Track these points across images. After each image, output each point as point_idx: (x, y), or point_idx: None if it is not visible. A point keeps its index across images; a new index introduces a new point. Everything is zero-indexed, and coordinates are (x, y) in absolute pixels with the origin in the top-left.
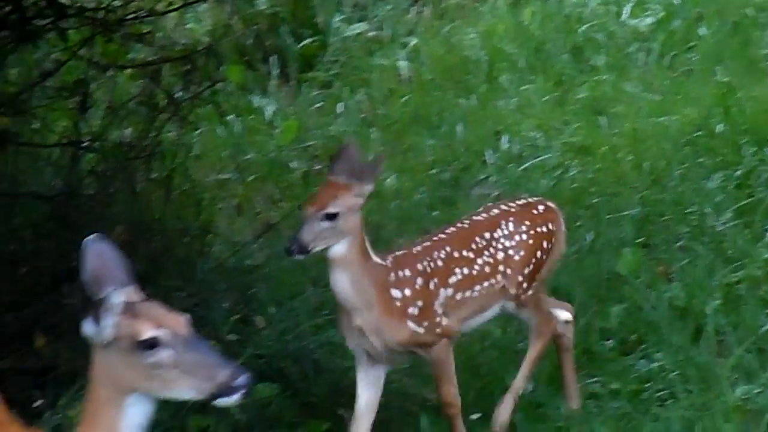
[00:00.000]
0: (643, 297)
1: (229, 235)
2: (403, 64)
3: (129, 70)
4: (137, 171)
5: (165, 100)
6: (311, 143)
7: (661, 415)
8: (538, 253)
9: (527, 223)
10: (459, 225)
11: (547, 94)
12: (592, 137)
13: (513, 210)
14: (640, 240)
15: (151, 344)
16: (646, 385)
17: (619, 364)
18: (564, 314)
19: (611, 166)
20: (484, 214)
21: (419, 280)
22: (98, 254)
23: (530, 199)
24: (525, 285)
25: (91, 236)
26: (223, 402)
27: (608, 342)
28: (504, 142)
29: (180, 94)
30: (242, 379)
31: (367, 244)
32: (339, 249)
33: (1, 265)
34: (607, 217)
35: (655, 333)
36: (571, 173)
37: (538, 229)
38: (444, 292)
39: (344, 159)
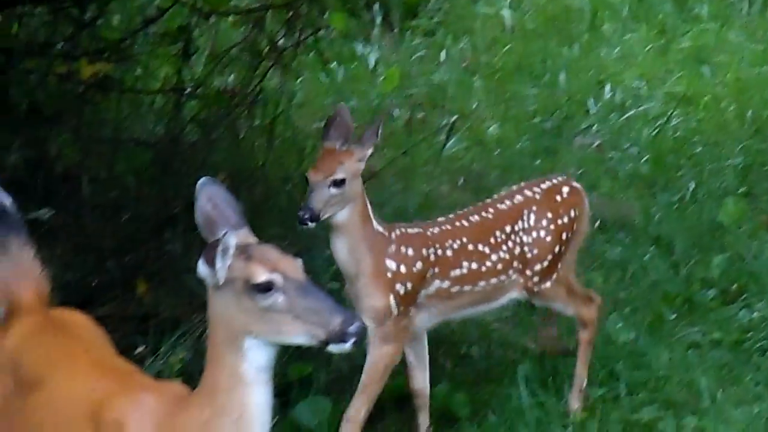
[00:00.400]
0: (744, 247)
1: None
2: (506, 13)
3: (232, 17)
4: (239, 118)
5: (268, 47)
6: (414, 91)
7: (763, 365)
8: (557, 248)
9: (549, 215)
10: (483, 214)
11: (650, 44)
12: (694, 87)
13: (537, 197)
14: (742, 190)
15: (266, 288)
16: (748, 335)
17: (720, 313)
18: None
19: (714, 115)
20: (508, 202)
21: (419, 264)
22: (211, 197)
23: (555, 181)
24: (536, 279)
25: (203, 179)
26: (335, 349)
27: (710, 292)
28: (606, 92)
29: (283, 41)
30: (355, 327)
31: (370, 211)
32: (343, 215)
33: (104, 211)
34: (709, 166)
35: (756, 283)
36: (674, 123)
37: (560, 222)
38: (438, 284)
39: (338, 125)
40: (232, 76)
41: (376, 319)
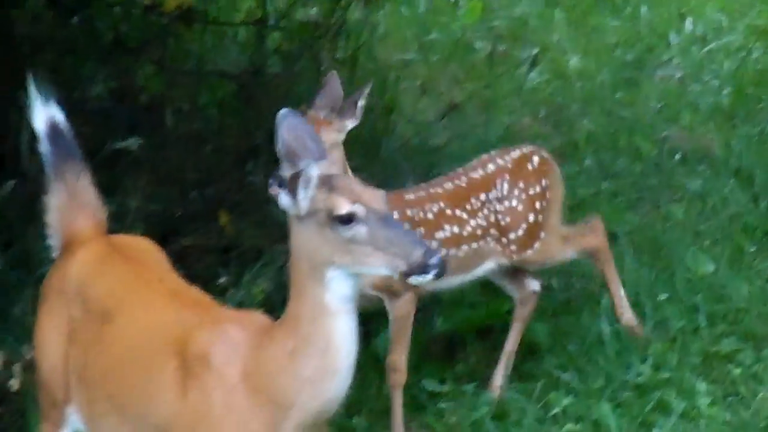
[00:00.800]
0: None
1: (413, 115)
2: None
3: None
4: (322, 50)
5: None
6: (495, 23)
7: None
8: (531, 217)
9: (521, 184)
10: (456, 181)
11: None
12: None
13: (509, 166)
14: None
15: (348, 219)
16: None
17: None
18: (533, 284)
19: None
20: (480, 171)
21: (406, 226)
22: (292, 128)
23: (525, 150)
24: (514, 247)
25: (284, 110)
26: (416, 280)
27: None
28: (688, 24)
29: None
30: (436, 259)
31: None
32: None
33: (187, 142)
34: None
35: None
36: (755, 55)
37: (531, 191)
38: None
39: (325, 93)
40: (315, 8)
41: (376, 286)
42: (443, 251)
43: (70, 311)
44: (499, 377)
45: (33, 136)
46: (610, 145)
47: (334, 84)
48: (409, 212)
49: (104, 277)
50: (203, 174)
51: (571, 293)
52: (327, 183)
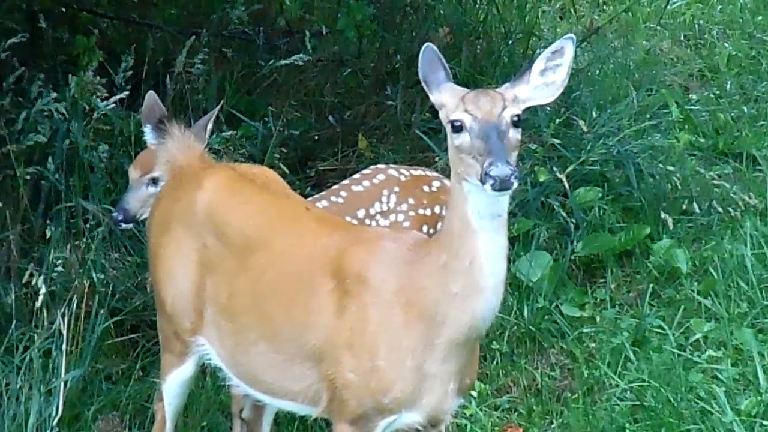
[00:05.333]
0: None
1: (553, 38)
2: None
3: None
4: None
5: None
6: None
7: None
8: None
9: (411, 200)
10: (333, 198)
11: None
12: None
13: (402, 179)
14: None
15: (459, 127)
16: None
17: None
18: None
19: None
20: (366, 183)
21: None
22: (429, 60)
23: (428, 173)
24: None
25: (426, 45)
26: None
27: None
28: None
29: None
30: (497, 170)
31: None
32: None
33: (325, 66)
34: None
35: None
36: None
37: (421, 211)
38: None
39: (148, 116)
40: None
41: None
42: None
43: (201, 240)
44: None
45: None
46: (751, 68)
47: (151, 103)
48: None
49: (242, 206)
50: (341, 98)
51: (712, 218)
52: (461, 99)
